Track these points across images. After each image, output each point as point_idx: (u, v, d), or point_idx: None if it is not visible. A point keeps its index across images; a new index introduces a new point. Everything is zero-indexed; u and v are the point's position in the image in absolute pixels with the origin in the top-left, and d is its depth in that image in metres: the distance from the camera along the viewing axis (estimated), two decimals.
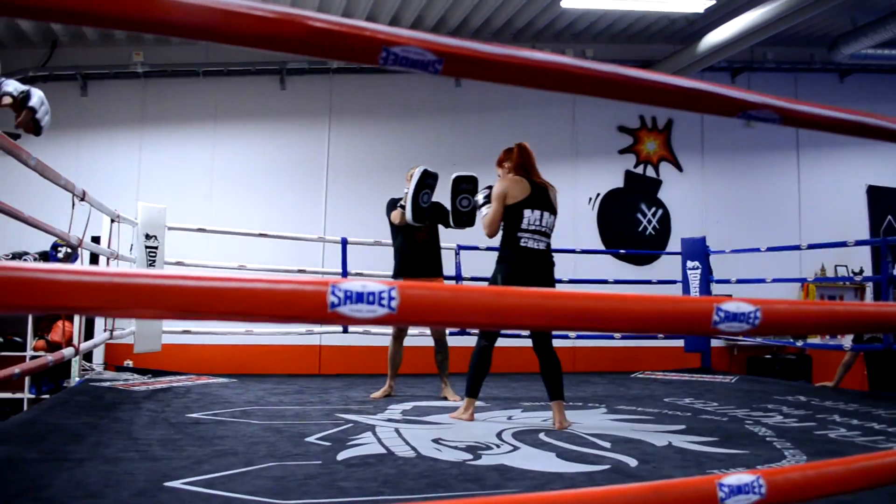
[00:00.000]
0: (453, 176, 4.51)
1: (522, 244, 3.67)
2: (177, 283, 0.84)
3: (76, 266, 0.82)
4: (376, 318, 0.87)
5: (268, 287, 0.86)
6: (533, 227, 3.68)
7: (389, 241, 6.50)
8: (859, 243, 6.85)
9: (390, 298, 0.87)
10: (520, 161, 3.79)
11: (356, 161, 7.88)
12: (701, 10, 7.07)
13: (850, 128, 1.33)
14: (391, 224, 4.77)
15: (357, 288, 0.86)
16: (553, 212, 3.77)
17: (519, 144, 3.84)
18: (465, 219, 4.54)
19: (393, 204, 4.78)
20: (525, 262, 3.67)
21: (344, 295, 0.86)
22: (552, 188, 3.82)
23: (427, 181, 4.44)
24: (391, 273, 6.10)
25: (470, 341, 6.30)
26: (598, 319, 1.01)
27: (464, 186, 4.49)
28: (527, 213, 3.68)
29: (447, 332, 4.88)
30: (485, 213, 3.82)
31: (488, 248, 6.82)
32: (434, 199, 4.62)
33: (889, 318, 1.42)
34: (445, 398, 4.62)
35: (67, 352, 4.02)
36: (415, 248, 4.71)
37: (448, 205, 4.62)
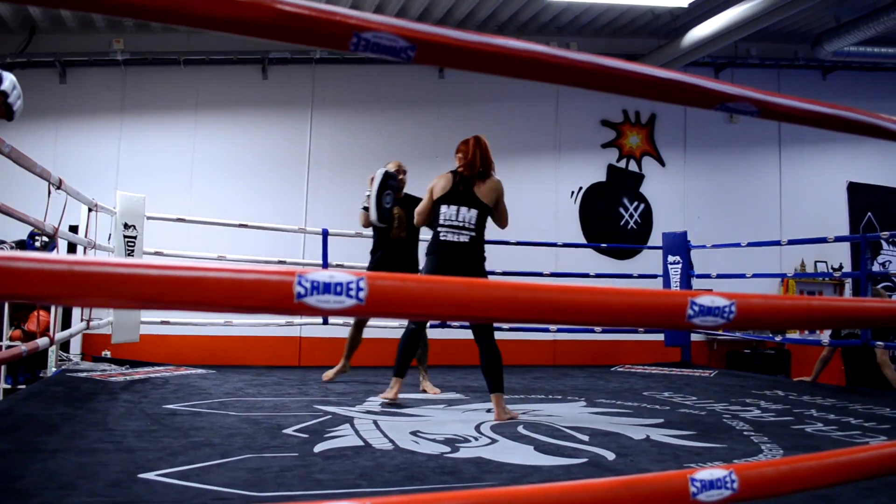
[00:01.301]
0: (382, 171, 4.50)
1: (441, 237, 3.88)
2: (139, 273, 0.82)
3: (34, 254, 0.79)
4: (344, 309, 0.85)
5: (233, 276, 0.84)
6: (448, 222, 3.87)
7: (370, 232, 6.50)
8: (839, 239, 6.92)
9: (358, 289, 0.86)
10: (466, 154, 3.92)
11: (338, 152, 7.83)
12: (685, 4, 7.08)
13: (828, 121, 1.33)
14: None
15: (324, 278, 0.85)
16: (476, 206, 3.87)
17: (475, 137, 3.96)
18: (386, 215, 4.55)
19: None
20: (443, 254, 3.86)
21: (311, 285, 0.84)
22: (491, 182, 3.90)
23: (389, 182, 4.47)
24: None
25: (452, 334, 6.34)
26: (572, 312, 0.99)
27: (391, 183, 4.50)
28: (443, 208, 3.89)
29: (427, 324, 4.87)
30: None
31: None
32: (416, 186, 4.67)
33: (864, 313, 1.42)
34: (424, 391, 4.62)
35: (42, 342, 3.97)
36: (388, 246, 4.74)
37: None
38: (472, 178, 3.87)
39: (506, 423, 3.51)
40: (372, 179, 4.55)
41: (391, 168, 4.61)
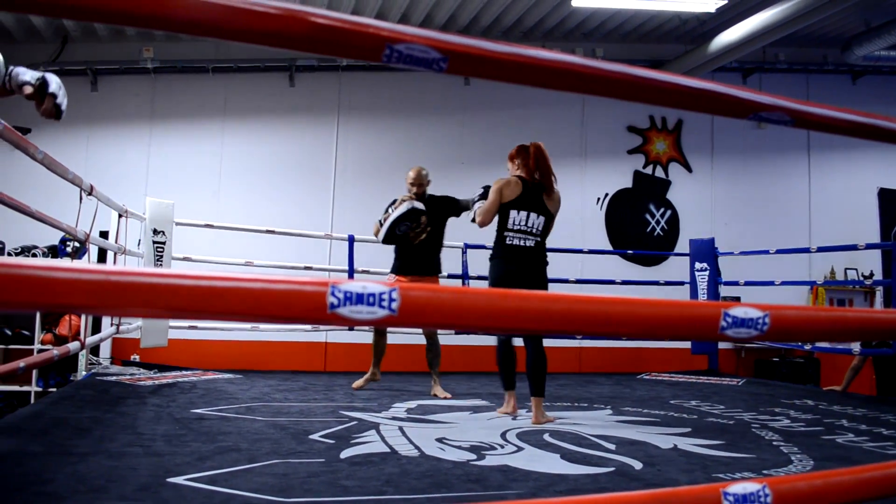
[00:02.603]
0: (410, 204, 4.55)
1: (508, 242, 3.89)
2: (174, 283, 0.83)
3: (72, 263, 0.81)
4: (376, 320, 0.86)
5: (267, 287, 0.85)
6: (517, 227, 3.89)
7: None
8: (870, 246, 6.80)
9: (391, 300, 0.86)
10: (527, 161, 3.97)
11: (364, 159, 7.87)
12: (713, 9, 7.03)
13: (863, 130, 1.31)
14: None
15: (357, 289, 0.85)
16: (544, 213, 3.93)
17: (535, 144, 3.99)
18: (390, 242, 4.73)
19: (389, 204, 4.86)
20: (510, 258, 3.88)
21: (344, 296, 0.85)
22: (556, 193, 4.01)
23: (411, 215, 4.56)
24: None
25: (469, 340, 6.33)
26: (603, 324, 0.99)
27: (407, 218, 4.58)
28: (513, 213, 3.89)
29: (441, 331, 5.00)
30: (476, 207, 4.11)
31: None
32: (443, 193, 4.80)
33: None
34: (435, 395, 4.68)
35: (73, 346, 4.03)
36: (410, 247, 4.74)
37: (450, 195, 4.85)
38: (541, 187, 3.93)
39: (533, 430, 3.50)
40: (402, 202, 4.62)
41: (411, 176, 4.73)
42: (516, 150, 4.06)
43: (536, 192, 3.93)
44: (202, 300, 0.84)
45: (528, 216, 3.89)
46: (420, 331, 5.68)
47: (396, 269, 4.82)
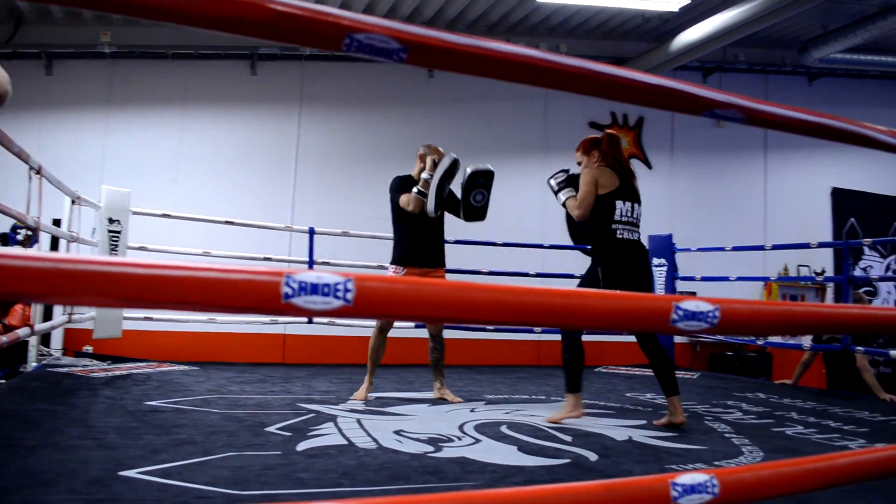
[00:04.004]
0: (469, 169, 4.09)
1: (619, 236, 3.60)
2: (125, 271, 0.82)
3: (18, 251, 0.79)
4: (331, 311, 0.85)
5: (220, 276, 0.84)
6: (626, 219, 3.62)
7: (357, 231, 6.46)
8: (822, 245, 6.98)
9: (346, 291, 0.86)
10: (608, 151, 3.70)
11: (326, 150, 7.81)
12: (675, 8, 7.12)
13: (815, 129, 1.34)
14: (395, 207, 4.27)
15: (312, 279, 0.85)
16: (639, 203, 3.70)
17: (609, 133, 3.74)
18: (477, 213, 4.17)
19: (400, 183, 4.29)
20: (624, 254, 3.60)
21: (298, 286, 0.84)
22: (636, 179, 3.76)
23: (454, 170, 4.08)
24: (361, 263, 6.04)
25: (465, 335, 6.32)
26: (558, 315, 1.00)
27: (480, 181, 4.11)
28: (619, 204, 3.61)
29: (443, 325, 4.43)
30: (565, 198, 3.72)
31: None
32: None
33: (845, 320, 1.44)
34: (444, 399, 4.23)
35: (23, 332, 3.94)
36: (422, 236, 4.23)
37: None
38: (630, 175, 3.69)
39: (490, 422, 3.51)
40: (422, 157, 4.21)
41: (430, 150, 4.22)
42: (590, 143, 3.73)
43: (631, 180, 3.68)
44: (154, 289, 0.83)
45: (632, 207, 3.63)
46: (402, 325, 5.55)
47: (405, 260, 4.22)
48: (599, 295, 1.04)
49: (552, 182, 3.83)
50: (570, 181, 3.76)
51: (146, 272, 0.82)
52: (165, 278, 0.82)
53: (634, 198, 3.68)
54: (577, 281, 3.95)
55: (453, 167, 4.06)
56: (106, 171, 7.14)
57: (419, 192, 4.10)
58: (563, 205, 3.75)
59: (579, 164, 3.79)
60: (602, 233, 3.62)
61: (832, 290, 8.90)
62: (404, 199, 4.16)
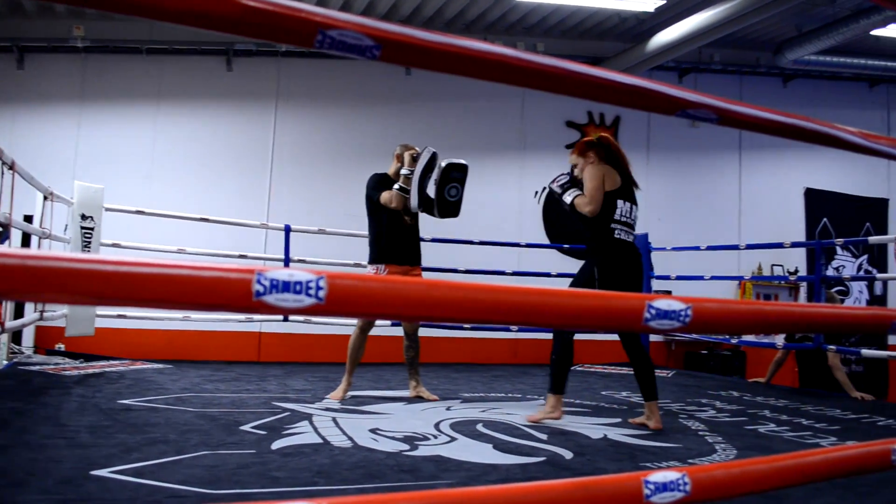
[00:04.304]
0: (444, 162, 4.03)
1: (616, 236, 3.58)
2: (96, 268, 0.81)
3: None
4: (303, 308, 0.85)
5: (191, 274, 0.83)
6: (624, 219, 3.60)
7: (334, 229, 6.42)
8: (795, 245, 7.08)
9: (318, 288, 0.85)
10: (607, 154, 3.68)
11: (302, 147, 7.77)
12: (651, 9, 7.17)
13: (787, 130, 1.35)
14: (372, 204, 4.23)
15: (284, 277, 0.84)
16: (636, 205, 3.70)
17: (606, 136, 3.73)
18: (451, 209, 4.09)
19: (377, 181, 4.25)
20: (621, 255, 3.59)
21: (270, 284, 0.84)
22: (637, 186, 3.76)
23: (433, 165, 4.04)
24: (338, 261, 6.01)
25: (441, 333, 6.32)
26: (531, 314, 1.00)
27: (455, 175, 4.06)
28: (620, 203, 3.59)
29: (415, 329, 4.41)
30: (572, 199, 3.64)
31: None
32: None
33: (815, 319, 1.45)
34: (420, 398, 4.24)
35: None
36: (401, 234, 4.20)
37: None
38: (634, 182, 3.68)
39: (466, 420, 3.52)
40: (398, 157, 4.19)
41: (406, 148, 4.19)
42: (585, 145, 3.70)
43: (630, 181, 3.67)
44: (125, 286, 0.82)
45: (631, 208, 3.63)
46: (386, 323, 5.53)
47: (384, 259, 4.18)
48: (573, 294, 1.04)
49: (555, 186, 3.79)
50: (573, 184, 3.74)
51: (116, 269, 0.81)
52: (136, 275, 0.81)
53: (633, 199, 3.69)
54: (553, 279, 3.95)
55: (432, 161, 4.04)
56: (79, 167, 7.05)
57: (401, 189, 4.07)
58: (570, 206, 3.68)
59: (574, 166, 3.76)
60: (600, 231, 3.60)
61: (805, 290, 9.02)
62: (386, 197, 4.13)
